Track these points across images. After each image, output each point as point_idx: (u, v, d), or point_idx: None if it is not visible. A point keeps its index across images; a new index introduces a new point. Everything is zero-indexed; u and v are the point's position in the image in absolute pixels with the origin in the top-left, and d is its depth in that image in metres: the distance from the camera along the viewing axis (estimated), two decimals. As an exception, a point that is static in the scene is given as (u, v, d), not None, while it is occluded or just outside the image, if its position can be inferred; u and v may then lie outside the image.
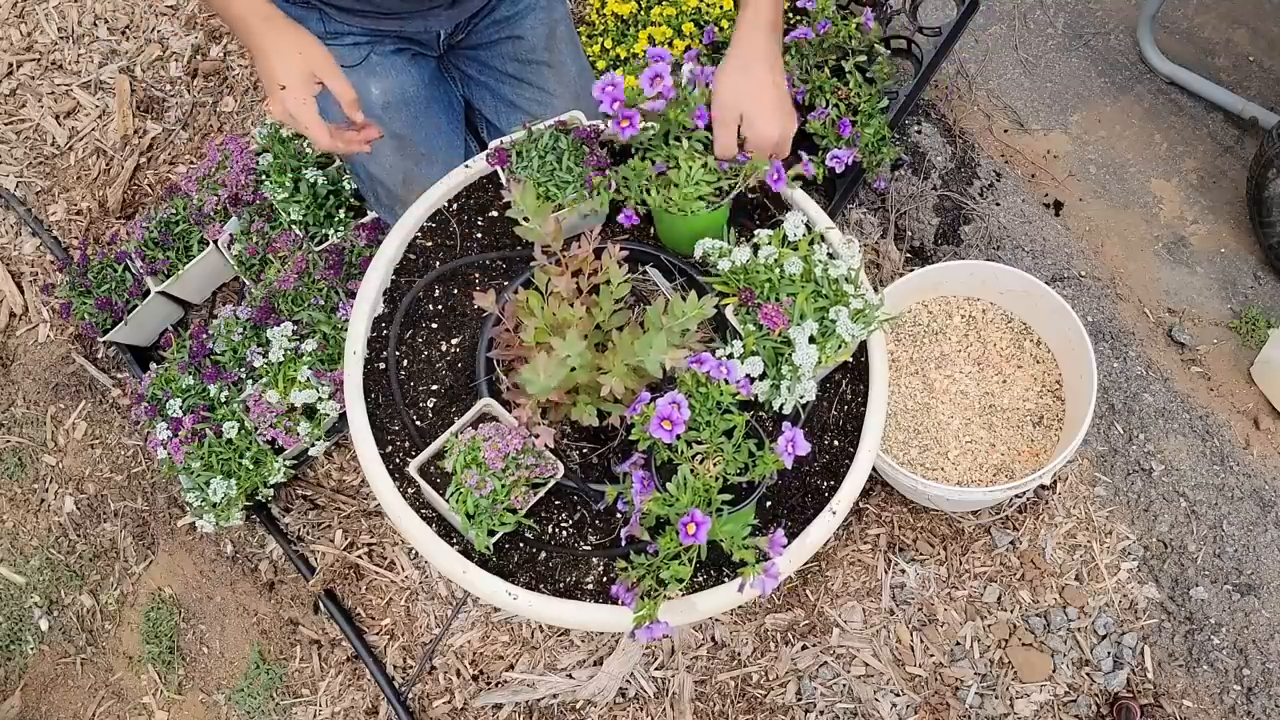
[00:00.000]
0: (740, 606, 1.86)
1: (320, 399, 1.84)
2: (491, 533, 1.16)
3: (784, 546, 1.02)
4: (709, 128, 1.26)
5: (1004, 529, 1.88)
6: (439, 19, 1.64)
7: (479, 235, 1.42)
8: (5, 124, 2.60)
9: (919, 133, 2.28)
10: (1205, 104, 2.30)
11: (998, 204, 2.20)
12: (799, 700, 1.79)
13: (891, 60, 2.02)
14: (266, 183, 2.06)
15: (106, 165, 2.50)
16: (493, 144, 1.35)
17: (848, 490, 1.20)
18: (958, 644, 1.81)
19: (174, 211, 2.14)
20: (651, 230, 1.41)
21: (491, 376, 1.29)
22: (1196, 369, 2.02)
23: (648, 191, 1.25)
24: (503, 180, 1.34)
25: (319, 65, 1.31)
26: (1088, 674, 1.77)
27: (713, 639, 1.85)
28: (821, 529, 1.17)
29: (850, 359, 1.31)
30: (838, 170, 1.33)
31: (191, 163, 2.47)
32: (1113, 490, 1.91)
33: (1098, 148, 2.30)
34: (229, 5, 1.32)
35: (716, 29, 1.81)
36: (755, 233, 1.26)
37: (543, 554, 1.21)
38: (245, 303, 2.00)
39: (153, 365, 2.01)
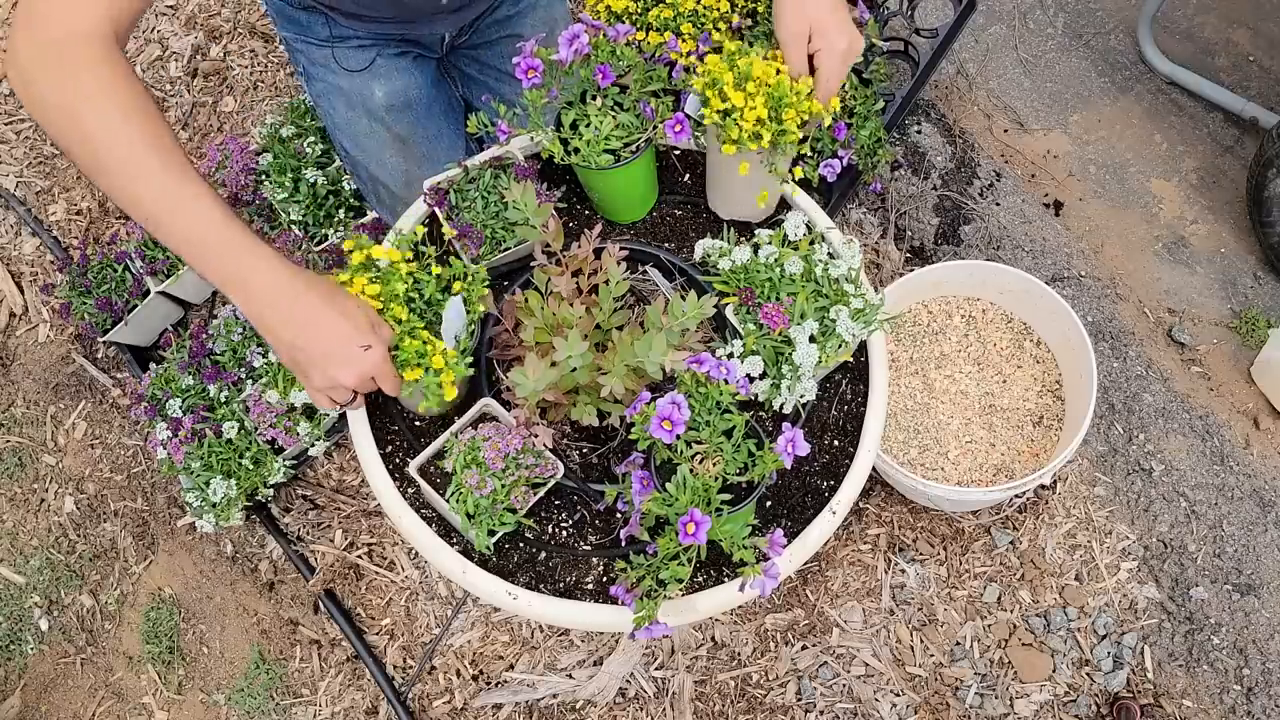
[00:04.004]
0: (740, 606, 1.86)
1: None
2: (491, 533, 1.16)
3: (784, 546, 1.02)
4: (618, 88, 1.27)
5: (1004, 529, 1.88)
6: (445, 23, 1.65)
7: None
8: (5, 124, 2.60)
9: (919, 133, 2.28)
10: (1205, 104, 2.31)
11: (998, 204, 2.20)
12: (799, 700, 1.79)
13: (889, 61, 2.02)
14: (266, 183, 2.06)
15: (106, 165, 2.50)
16: (428, 182, 1.34)
17: (848, 490, 1.20)
18: (958, 644, 1.81)
19: (174, 211, 2.14)
20: (651, 230, 1.41)
21: (492, 376, 1.29)
22: (1196, 369, 2.02)
23: (565, 145, 1.26)
24: (443, 222, 1.33)
25: (373, 313, 1.11)
26: (1088, 674, 1.77)
27: (713, 639, 1.85)
28: (821, 529, 1.17)
29: (850, 359, 1.31)
30: (829, 179, 1.34)
31: (192, 163, 2.46)
32: (1113, 490, 1.91)
33: (1098, 148, 2.30)
34: (227, 257, 1.04)
35: (714, 32, 1.81)
36: (756, 232, 1.26)
37: (543, 554, 1.21)
38: (245, 303, 1.99)
39: (153, 365, 2.01)
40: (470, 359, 1.17)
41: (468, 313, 1.19)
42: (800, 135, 1.20)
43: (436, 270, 1.19)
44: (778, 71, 1.21)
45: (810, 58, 1.23)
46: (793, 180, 1.27)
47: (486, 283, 1.21)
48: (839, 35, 1.21)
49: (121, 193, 1.04)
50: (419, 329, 1.14)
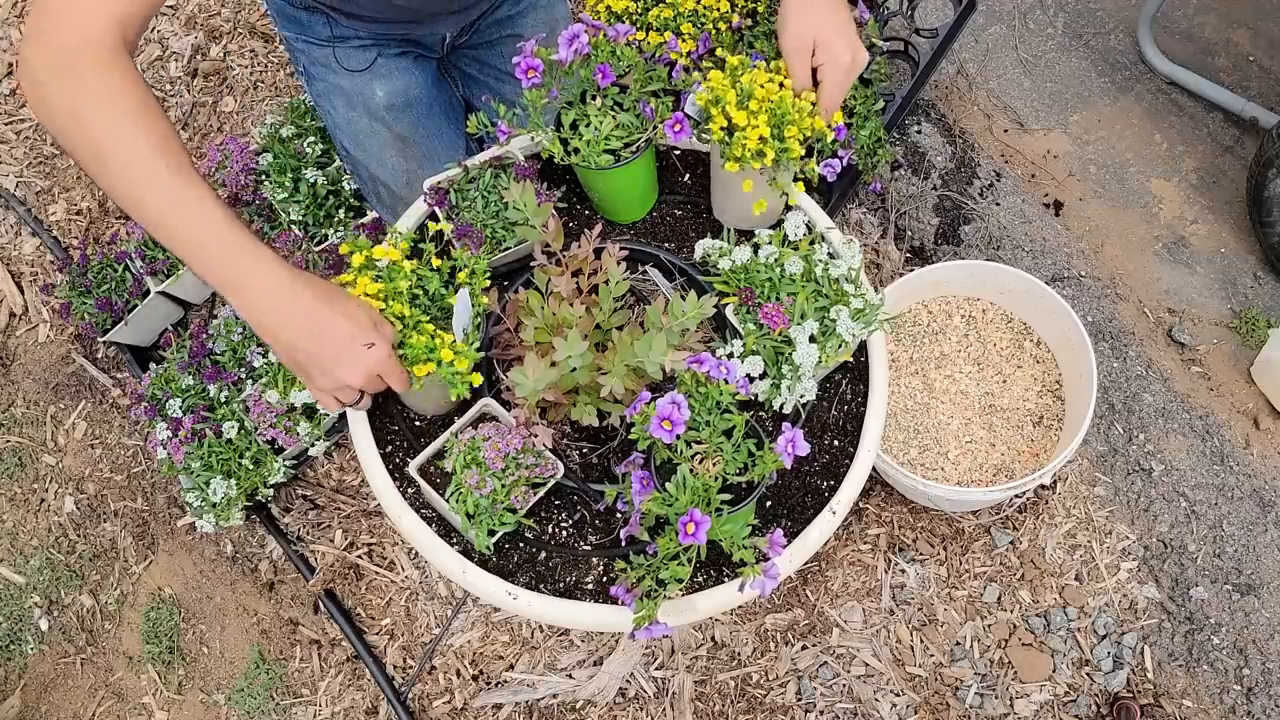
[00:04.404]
0: (740, 606, 1.86)
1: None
2: (491, 532, 1.16)
3: (783, 546, 1.02)
4: (618, 88, 1.26)
5: (1004, 529, 1.88)
6: (445, 23, 1.65)
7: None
8: (5, 124, 2.60)
9: (919, 133, 2.28)
10: (1205, 104, 2.31)
11: (998, 204, 2.20)
12: (799, 700, 1.79)
13: (889, 61, 2.02)
14: (266, 183, 2.06)
15: (106, 165, 2.50)
16: (428, 181, 1.34)
17: (848, 490, 1.20)
18: (958, 644, 1.81)
19: (174, 211, 2.14)
20: (651, 230, 1.41)
21: (492, 376, 1.29)
22: (1196, 369, 2.02)
23: (565, 145, 1.26)
24: (441, 222, 1.33)
25: (375, 312, 1.11)
26: (1088, 674, 1.77)
27: (713, 639, 1.85)
28: (821, 529, 1.17)
29: (850, 359, 1.31)
30: (829, 179, 1.35)
31: (196, 167, 2.46)
32: (1113, 490, 1.91)
33: (1098, 148, 2.30)
34: (230, 257, 1.05)
35: (714, 32, 1.81)
36: (756, 232, 1.26)
37: (543, 554, 1.21)
38: (245, 303, 1.99)
39: (153, 365, 2.01)
40: (478, 345, 1.17)
41: (473, 305, 1.19)
42: (803, 152, 1.20)
43: (437, 263, 1.19)
44: (781, 86, 1.20)
45: (815, 70, 1.22)
46: (795, 194, 1.27)
47: (488, 273, 1.21)
48: (844, 49, 1.20)
49: (126, 196, 1.05)
50: (424, 323, 1.13)
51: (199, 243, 1.05)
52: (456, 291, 1.17)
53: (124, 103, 1.03)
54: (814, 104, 1.21)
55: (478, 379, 1.13)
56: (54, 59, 1.03)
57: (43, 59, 1.04)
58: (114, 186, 1.05)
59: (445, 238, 1.34)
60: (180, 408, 1.88)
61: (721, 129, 1.19)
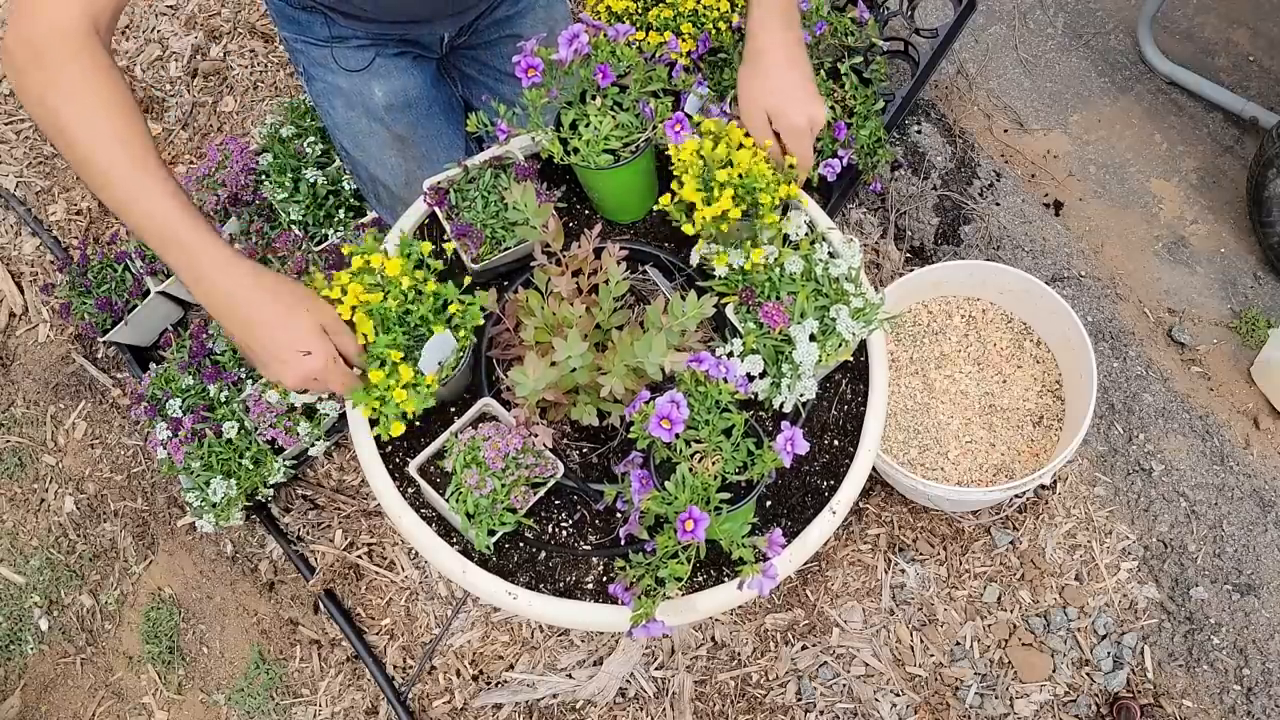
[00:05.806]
0: (740, 606, 1.86)
1: (320, 399, 1.84)
2: (491, 532, 1.16)
3: (783, 546, 1.02)
4: (618, 88, 1.28)
5: (1004, 529, 1.88)
6: (444, 24, 1.65)
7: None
8: (5, 124, 2.60)
9: (919, 133, 2.29)
10: (1205, 104, 2.31)
11: (998, 204, 2.20)
12: (799, 700, 1.79)
13: (889, 61, 2.02)
14: (266, 183, 2.06)
15: (107, 165, 2.50)
16: (428, 182, 1.34)
17: (848, 490, 1.20)
18: (958, 644, 1.81)
19: (174, 211, 2.14)
20: (651, 230, 1.41)
21: (492, 376, 1.29)
22: (1196, 369, 2.02)
23: (565, 145, 1.27)
24: (443, 222, 1.33)
25: (328, 318, 1.11)
26: (1088, 674, 1.77)
27: (713, 639, 1.85)
28: (821, 529, 1.17)
29: (850, 359, 1.31)
30: (829, 178, 1.35)
31: (191, 163, 2.47)
32: (1113, 490, 1.90)
33: (1098, 148, 2.30)
34: (196, 256, 1.06)
35: (714, 31, 1.81)
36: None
37: (543, 554, 1.21)
38: (245, 303, 1.99)
39: (153, 365, 2.01)
40: (442, 383, 1.18)
41: (456, 341, 1.19)
42: (777, 217, 1.21)
43: (435, 287, 1.18)
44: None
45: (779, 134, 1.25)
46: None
47: (485, 312, 1.21)
48: (796, 113, 1.23)
49: (92, 181, 1.08)
50: (391, 354, 1.13)
51: (156, 231, 1.07)
52: (448, 323, 1.17)
53: (91, 93, 1.06)
54: (791, 166, 1.24)
55: (399, 429, 1.13)
56: (27, 48, 1.06)
57: (18, 47, 1.07)
58: (82, 173, 1.09)
59: (447, 258, 1.33)
60: (180, 408, 1.88)
61: (673, 203, 1.20)
